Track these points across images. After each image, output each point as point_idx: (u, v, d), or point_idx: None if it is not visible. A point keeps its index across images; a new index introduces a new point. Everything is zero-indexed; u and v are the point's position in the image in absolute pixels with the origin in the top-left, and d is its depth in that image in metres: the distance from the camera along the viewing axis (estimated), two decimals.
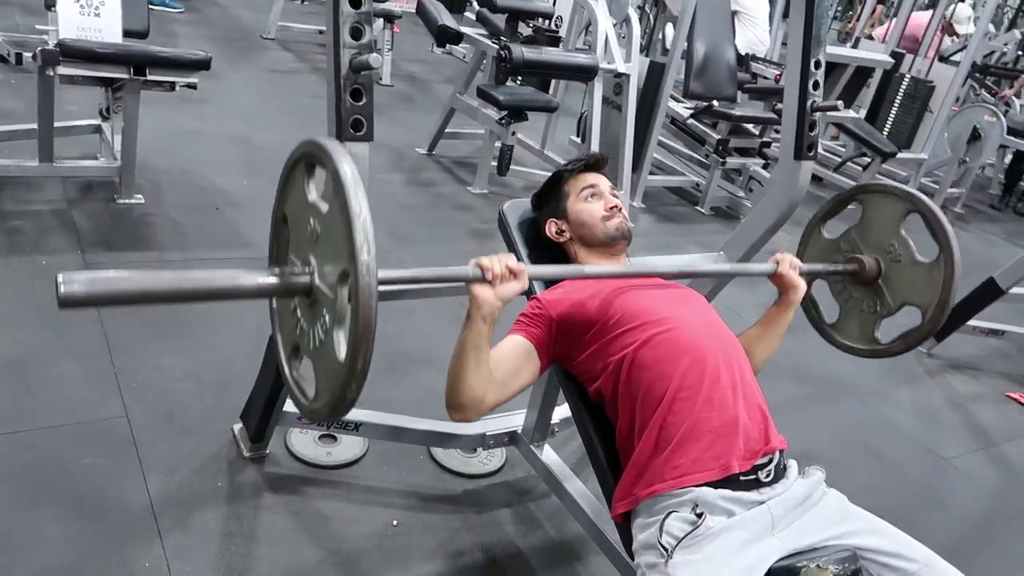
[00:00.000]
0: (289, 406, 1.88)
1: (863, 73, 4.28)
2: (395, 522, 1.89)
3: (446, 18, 3.92)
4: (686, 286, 1.75)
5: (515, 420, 2.06)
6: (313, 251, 1.02)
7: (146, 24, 3.20)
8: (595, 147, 3.92)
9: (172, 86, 3.02)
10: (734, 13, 7.53)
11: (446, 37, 3.86)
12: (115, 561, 1.62)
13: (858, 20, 7.72)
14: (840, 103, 1.95)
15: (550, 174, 1.82)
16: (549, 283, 1.68)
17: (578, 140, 4.63)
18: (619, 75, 3.81)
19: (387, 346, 2.46)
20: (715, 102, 4.33)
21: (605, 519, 1.70)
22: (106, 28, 2.96)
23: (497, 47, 3.51)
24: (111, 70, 2.76)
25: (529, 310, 1.56)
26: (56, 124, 3.10)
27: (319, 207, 1.01)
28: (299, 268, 1.04)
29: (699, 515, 1.31)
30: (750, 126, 4.74)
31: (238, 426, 2.02)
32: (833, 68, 4.15)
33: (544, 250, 1.77)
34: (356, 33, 1.34)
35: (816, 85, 1.96)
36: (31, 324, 2.30)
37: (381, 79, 5.92)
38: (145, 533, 1.70)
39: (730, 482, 1.36)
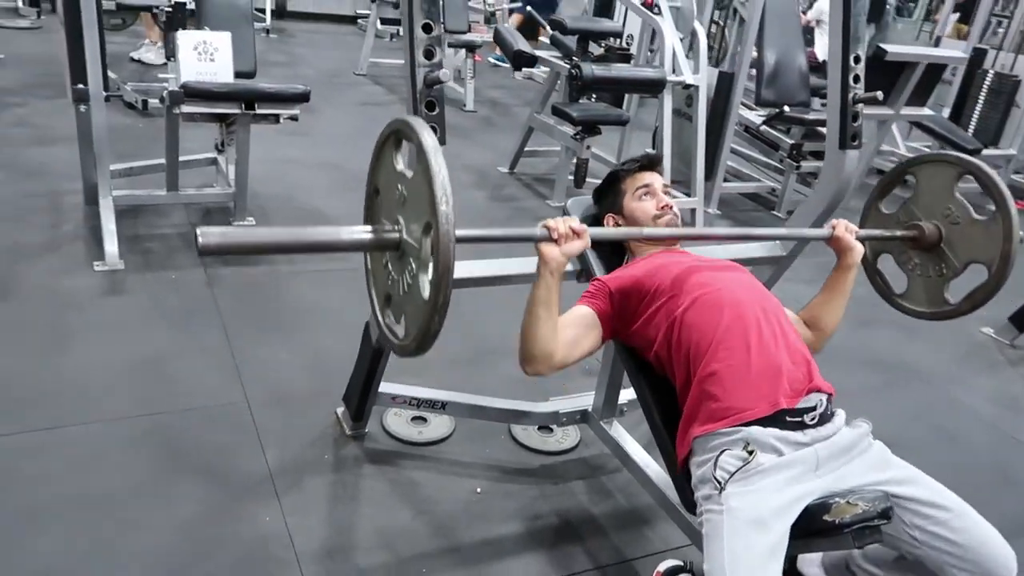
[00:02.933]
0: (383, 387, 2.14)
1: (935, 71, 4.28)
2: (478, 490, 2.10)
3: (521, 44, 4.19)
4: (736, 265, 1.87)
5: (586, 400, 2.25)
6: (401, 212, 1.24)
7: (253, 66, 3.58)
8: (667, 158, 4.09)
9: (277, 119, 3.39)
10: (817, 22, 7.57)
11: (522, 61, 4.12)
12: (242, 515, 1.90)
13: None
14: (879, 94, 2.08)
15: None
16: (608, 268, 1.88)
17: (653, 152, 4.81)
18: (688, 86, 3.98)
19: (473, 340, 2.73)
20: (786, 108, 4.42)
21: (668, 486, 1.87)
22: (220, 71, 3.34)
23: (568, 67, 3.74)
24: (226, 106, 3.13)
25: (590, 288, 1.75)
26: (182, 158, 3.53)
27: (405, 174, 1.24)
28: (390, 227, 1.26)
29: (750, 452, 1.47)
30: (824, 129, 4.79)
31: (341, 408, 2.28)
32: (903, 67, 4.18)
33: (606, 244, 1.97)
34: (428, 54, 1.59)
35: (856, 79, 2.10)
36: (166, 327, 2.66)
37: (465, 106, 6.25)
38: (265, 494, 1.97)
39: (777, 421, 1.49)
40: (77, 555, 1.73)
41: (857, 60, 2.09)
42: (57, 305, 2.71)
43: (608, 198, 1.96)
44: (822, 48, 6.75)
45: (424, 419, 2.32)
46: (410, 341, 1.23)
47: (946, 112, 5.76)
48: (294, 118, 3.41)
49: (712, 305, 1.62)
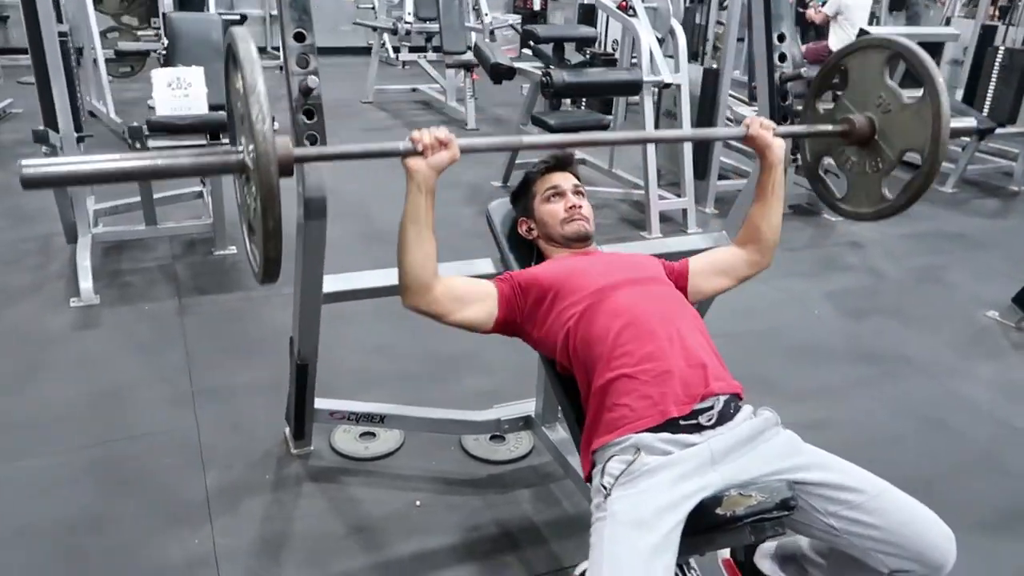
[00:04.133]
0: (319, 404, 2.12)
1: (931, 51, 4.09)
2: (418, 502, 2.06)
3: (499, 56, 4.18)
4: (644, 265, 1.77)
5: (529, 406, 2.19)
6: (242, 131, 1.20)
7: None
8: (652, 160, 4.02)
9: None
10: (835, 16, 7.42)
11: (500, 73, 4.11)
12: (173, 537, 1.89)
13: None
14: (804, 70, 1.99)
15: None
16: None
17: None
18: (667, 86, 3.91)
19: (430, 353, 2.70)
20: None
21: None
22: (194, 104, 3.40)
23: (539, 75, 3.71)
24: (192, 138, 3.18)
25: (501, 275, 1.71)
26: (168, 193, 3.61)
27: (239, 91, 1.19)
28: (233, 148, 1.21)
29: (636, 452, 1.40)
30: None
31: (288, 428, 2.27)
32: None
33: (524, 246, 1.92)
34: (302, 62, 1.58)
35: (783, 57, 2.02)
36: (131, 357, 2.69)
37: (467, 125, 6.26)
38: (199, 517, 1.96)
39: (670, 426, 1.43)
40: None
41: (781, 39, 2.01)
42: (31, 342, 2.77)
43: (521, 201, 1.91)
44: (837, 42, 6.59)
45: (373, 434, 2.29)
46: (259, 269, 1.19)
47: (959, 94, 5.55)
48: None
49: (605, 313, 1.56)
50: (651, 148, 4.03)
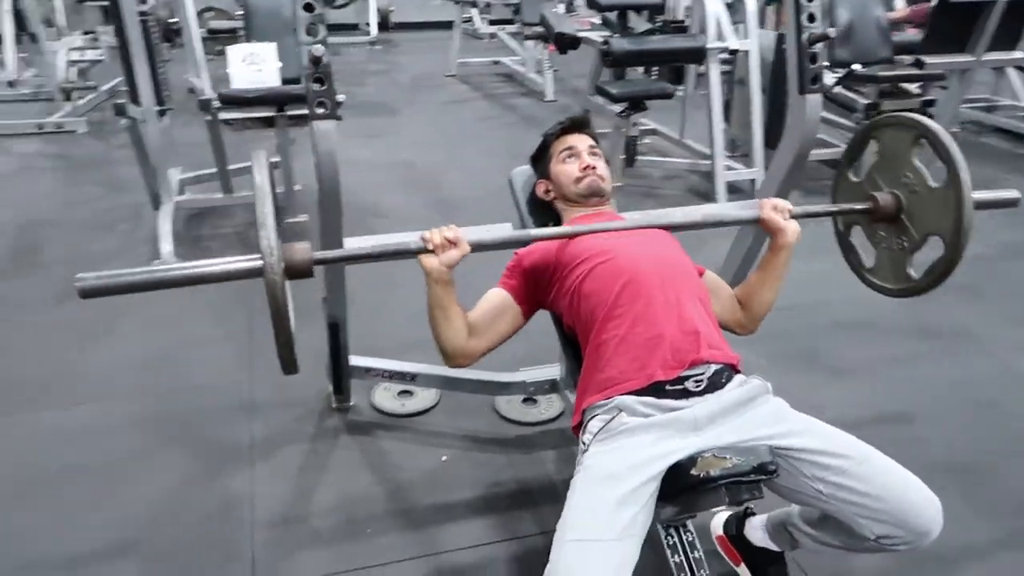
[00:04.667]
0: (356, 361, 2.24)
1: (1018, 10, 3.80)
2: (444, 458, 2.15)
3: (564, 25, 4.17)
4: (655, 232, 1.76)
5: (555, 370, 2.24)
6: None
7: (298, 71, 3.80)
8: (718, 130, 3.95)
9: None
10: None
11: (565, 42, 4.10)
12: (216, 482, 2.06)
13: None
14: (832, 31, 1.93)
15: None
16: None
17: (725, 124, 4.63)
18: (733, 52, 3.82)
19: None
20: (857, 66, 4.12)
21: None
22: (268, 78, 3.57)
23: (600, 43, 3.70)
24: (260, 110, 3.35)
25: (509, 263, 1.76)
26: (245, 164, 3.82)
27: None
28: (256, 256, 1.29)
29: (618, 412, 1.44)
30: (912, 86, 4.43)
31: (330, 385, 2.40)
32: (979, 9, 3.77)
33: (543, 208, 1.96)
34: (311, 31, 1.66)
35: (812, 17, 1.96)
36: (199, 318, 2.90)
37: (545, 96, 6.27)
38: (242, 463, 2.12)
39: (655, 390, 1.45)
40: (60, 517, 1.94)
41: None
42: (111, 301, 3.01)
43: (540, 163, 1.95)
44: None
45: (411, 393, 2.40)
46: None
47: None
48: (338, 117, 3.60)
49: (608, 274, 1.59)
50: (718, 116, 3.96)
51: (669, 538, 1.59)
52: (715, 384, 1.47)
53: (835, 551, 1.52)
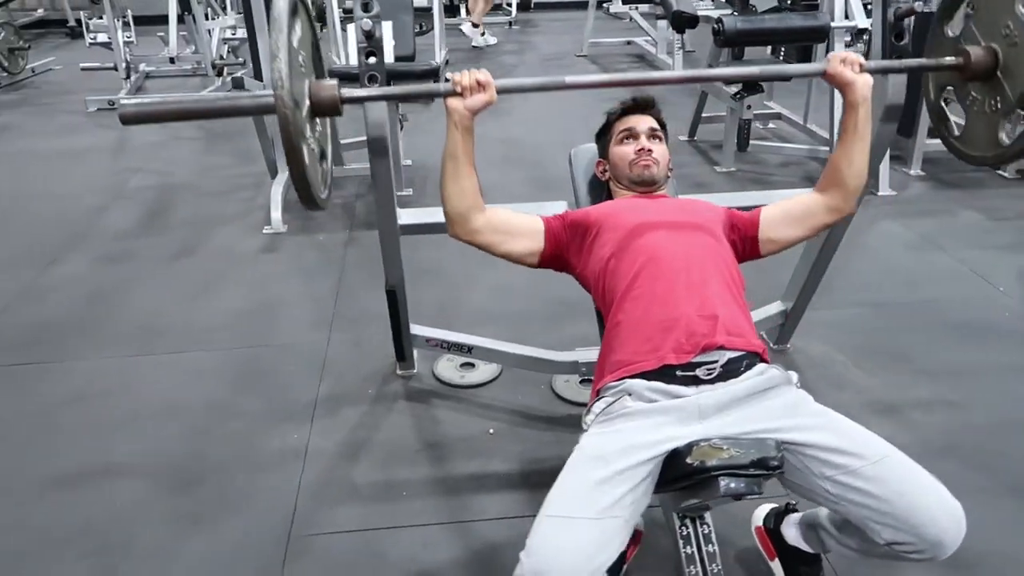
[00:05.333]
0: (417, 330, 2.31)
1: None
2: (491, 430, 2.18)
3: (683, 3, 4.04)
4: (702, 211, 1.73)
5: None
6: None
7: (411, 49, 3.91)
8: (837, 113, 3.71)
9: (430, 100, 3.69)
10: None
11: (682, 22, 3.98)
12: (277, 430, 2.19)
13: None
14: (919, 4, 1.77)
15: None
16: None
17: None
18: (861, 32, 3.58)
19: (551, 295, 2.78)
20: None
21: None
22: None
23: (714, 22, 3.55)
24: None
25: (557, 214, 1.75)
26: (361, 138, 3.98)
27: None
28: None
29: (624, 395, 1.41)
30: None
31: None
32: None
33: (599, 188, 1.94)
34: (366, 7, 1.71)
35: None
36: (293, 279, 3.08)
37: None
38: (304, 417, 2.24)
39: (664, 375, 1.42)
40: (138, 449, 2.14)
41: None
42: (224, 259, 3.27)
43: (601, 142, 1.93)
44: None
45: (472, 365, 2.44)
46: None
47: None
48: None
49: (634, 253, 1.57)
50: (840, 100, 3.71)
51: (684, 528, 1.56)
52: (730, 372, 1.41)
53: (881, 559, 1.42)
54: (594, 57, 7.03)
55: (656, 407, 1.38)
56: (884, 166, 3.79)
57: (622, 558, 1.57)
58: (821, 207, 1.66)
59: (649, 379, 1.42)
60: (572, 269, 1.71)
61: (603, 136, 1.92)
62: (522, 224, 1.68)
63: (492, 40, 7.57)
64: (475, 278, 2.97)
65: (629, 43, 7.21)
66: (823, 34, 3.51)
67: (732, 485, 1.28)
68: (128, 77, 5.84)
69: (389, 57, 3.64)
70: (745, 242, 1.69)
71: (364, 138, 4.02)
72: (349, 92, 1.52)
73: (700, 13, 4.05)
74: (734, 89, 3.87)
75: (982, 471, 1.98)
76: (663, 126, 1.88)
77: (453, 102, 1.53)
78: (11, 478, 2.03)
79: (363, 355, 2.54)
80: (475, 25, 7.53)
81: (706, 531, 1.55)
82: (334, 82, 1.47)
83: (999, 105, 1.60)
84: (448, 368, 2.45)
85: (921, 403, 2.25)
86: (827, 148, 4.01)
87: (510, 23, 8.63)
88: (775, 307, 2.43)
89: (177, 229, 3.59)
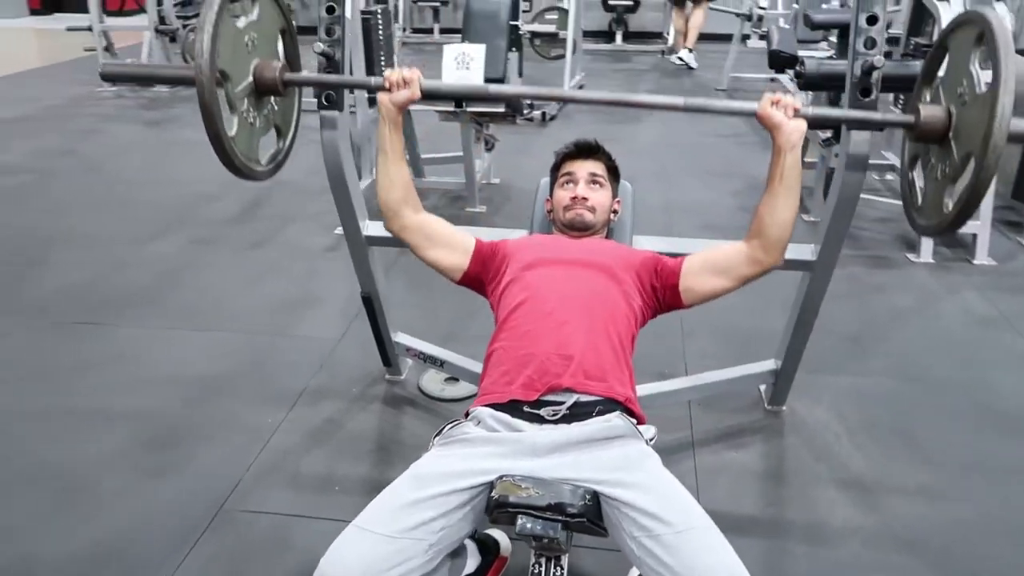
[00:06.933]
0: (399, 338, 2.42)
1: None
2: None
3: (784, 44, 3.89)
4: (608, 251, 1.72)
5: None
6: None
7: (502, 72, 4.03)
8: None
9: (513, 118, 3.81)
10: None
11: (780, 62, 3.83)
12: (256, 412, 2.37)
13: None
14: (879, 59, 1.64)
15: None
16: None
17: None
18: None
19: None
20: None
21: None
22: (473, 77, 3.86)
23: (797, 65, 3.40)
24: (441, 104, 3.65)
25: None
26: (447, 154, 4.18)
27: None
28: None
29: (475, 422, 1.45)
30: None
31: None
32: None
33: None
34: (330, 31, 1.84)
35: (870, 43, 1.70)
36: (340, 278, 3.27)
37: None
38: (286, 404, 2.41)
39: (512, 408, 1.44)
40: (130, 407, 2.39)
41: (872, 20, 1.69)
42: (288, 253, 3.54)
43: (551, 181, 1.95)
44: None
45: (456, 380, 2.51)
46: None
47: None
48: (529, 119, 3.80)
49: (520, 286, 1.62)
50: None
51: (536, 566, 1.54)
52: (576, 416, 1.41)
53: None
54: (732, 91, 6.85)
55: (493, 437, 1.40)
56: (985, 229, 3.45)
57: None
58: (743, 258, 1.61)
59: (498, 410, 1.44)
60: (487, 295, 1.75)
61: (552, 175, 1.94)
62: (453, 237, 1.74)
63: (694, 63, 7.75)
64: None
65: (773, 80, 6.95)
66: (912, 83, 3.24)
67: (528, 525, 1.28)
68: None
69: (479, 78, 3.79)
70: (666, 290, 1.66)
71: (443, 154, 4.28)
72: (291, 76, 1.66)
73: (802, 54, 3.86)
74: (824, 135, 3.67)
75: (938, 574, 1.79)
76: (612, 170, 1.88)
77: (381, 96, 1.65)
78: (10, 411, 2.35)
79: (365, 356, 2.67)
80: (690, 50, 7.71)
81: (558, 573, 1.53)
82: (278, 64, 1.64)
83: (948, 169, 1.48)
84: (433, 380, 2.53)
85: (903, 490, 2.06)
86: None
87: (662, 52, 8.58)
88: (766, 365, 2.31)
89: (264, 221, 3.92)
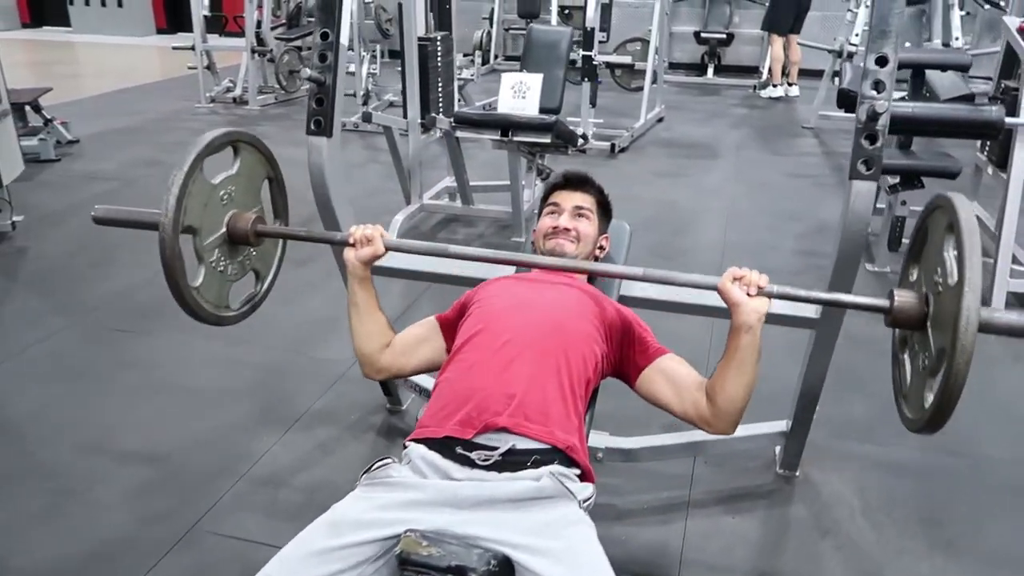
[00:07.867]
0: None
1: None
2: None
3: (855, 83, 3.66)
4: (578, 286, 1.66)
5: None
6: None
7: (557, 103, 3.98)
8: (1007, 218, 3.16)
9: (565, 149, 3.76)
10: None
11: (847, 101, 3.61)
12: (253, 432, 2.38)
13: None
14: (882, 103, 1.48)
15: None
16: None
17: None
18: None
19: None
20: None
21: None
22: (528, 106, 3.84)
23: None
24: (488, 132, 3.62)
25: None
26: (498, 182, 4.16)
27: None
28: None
29: (406, 461, 1.38)
30: None
31: None
32: None
33: None
34: (322, 58, 1.82)
35: (879, 86, 1.55)
36: None
37: None
38: (284, 425, 2.40)
39: (445, 447, 1.37)
40: (138, 416, 2.44)
41: (882, 62, 1.55)
42: (330, 272, 3.54)
43: (539, 211, 1.90)
44: None
45: None
46: None
47: None
48: (582, 151, 3.74)
49: (477, 319, 1.56)
50: (1014, 204, 3.16)
51: None
52: (509, 465, 1.32)
53: None
54: (819, 130, 6.54)
55: (416, 483, 1.33)
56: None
57: None
58: (694, 408, 1.48)
59: (431, 447, 1.37)
60: None
61: (540, 204, 1.90)
62: (419, 333, 1.69)
63: (793, 92, 7.85)
64: None
65: None
66: (993, 129, 3.00)
67: None
68: (365, 103, 6.56)
69: (534, 108, 3.76)
70: (629, 363, 1.57)
71: (491, 183, 4.25)
72: (263, 228, 1.65)
73: None
74: (891, 181, 3.43)
75: None
76: (602, 205, 1.80)
77: (346, 253, 1.62)
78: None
79: (374, 383, 2.64)
80: (791, 84, 7.83)
81: None
82: (251, 216, 1.63)
83: (927, 361, 1.31)
84: None
85: None
86: (1019, 267, 3.39)
87: (754, 87, 8.33)
88: (777, 426, 2.14)
89: None
